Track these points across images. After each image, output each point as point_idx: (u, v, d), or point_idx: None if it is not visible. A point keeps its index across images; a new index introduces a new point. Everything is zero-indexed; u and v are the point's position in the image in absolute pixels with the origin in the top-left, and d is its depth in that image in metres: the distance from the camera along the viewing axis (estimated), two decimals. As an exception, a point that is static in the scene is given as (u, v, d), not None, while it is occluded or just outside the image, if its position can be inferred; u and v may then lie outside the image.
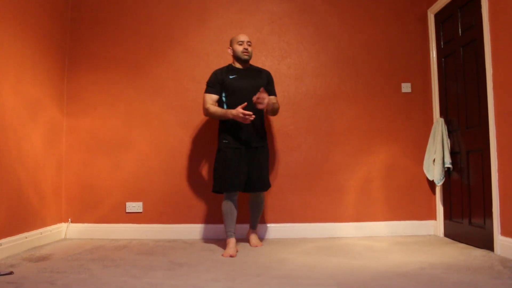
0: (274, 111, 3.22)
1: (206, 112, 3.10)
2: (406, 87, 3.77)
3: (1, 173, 2.82)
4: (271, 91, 3.22)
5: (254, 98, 2.93)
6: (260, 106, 2.97)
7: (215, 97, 3.10)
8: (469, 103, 3.20)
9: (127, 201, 3.67)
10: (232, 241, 2.98)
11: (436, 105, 3.67)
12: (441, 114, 3.59)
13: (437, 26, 3.68)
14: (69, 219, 3.68)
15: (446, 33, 3.56)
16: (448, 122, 3.48)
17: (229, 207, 3.05)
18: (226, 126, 3.09)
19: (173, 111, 3.74)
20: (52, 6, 3.56)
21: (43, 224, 3.35)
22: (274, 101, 3.21)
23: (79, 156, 3.72)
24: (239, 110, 2.91)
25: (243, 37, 3.16)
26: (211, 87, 3.12)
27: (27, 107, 3.17)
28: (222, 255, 2.89)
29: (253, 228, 3.33)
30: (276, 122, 3.72)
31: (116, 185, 3.69)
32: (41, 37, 3.37)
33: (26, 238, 3.08)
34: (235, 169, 3.02)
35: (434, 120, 3.64)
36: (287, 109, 3.73)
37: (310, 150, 3.72)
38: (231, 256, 2.84)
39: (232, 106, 3.03)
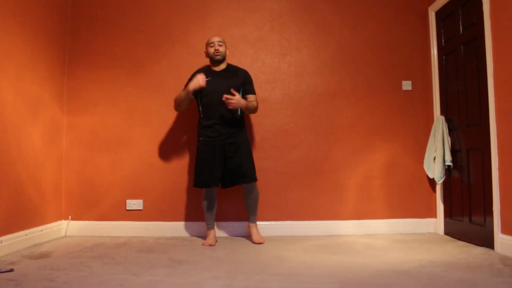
0: (250, 109, 3.28)
1: (174, 103, 3.31)
2: (406, 85, 3.77)
3: (2, 170, 2.82)
4: (248, 90, 3.32)
5: (223, 98, 3.06)
6: (229, 106, 3.09)
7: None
8: (469, 101, 3.19)
9: (127, 199, 3.67)
10: (211, 233, 3.28)
11: (436, 103, 3.67)
12: (442, 112, 3.59)
13: (437, 23, 3.67)
14: (70, 217, 3.68)
15: (446, 31, 3.55)
16: (448, 120, 3.47)
17: (206, 203, 3.31)
18: (201, 124, 3.29)
19: (173, 108, 3.73)
20: (52, 3, 3.55)
21: (44, 221, 3.35)
22: (252, 99, 3.30)
23: (79, 153, 3.72)
24: (195, 82, 3.13)
25: (213, 39, 3.29)
26: (186, 86, 3.28)
27: (27, 105, 3.17)
28: (202, 244, 3.19)
29: (251, 221, 3.35)
30: (276, 120, 3.72)
31: (116, 182, 3.69)
32: (41, 35, 3.36)
33: (26, 235, 3.08)
34: (209, 166, 3.20)
35: (435, 118, 3.63)
36: (287, 107, 3.73)
37: (310, 148, 3.72)
38: (210, 245, 3.15)
39: (207, 107, 3.25)
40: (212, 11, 3.82)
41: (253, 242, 3.26)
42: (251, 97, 3.31)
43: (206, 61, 3.77)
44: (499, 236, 2.77)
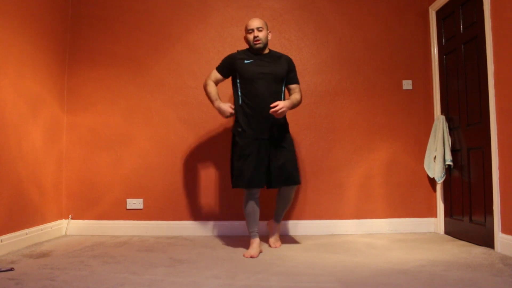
0: (295, 106, 2.97)
1: (204, 86, 3.05)
2: (407, 84, 3.77)
3: (2, 169, 2.82)
4: (293, 79, 3.02)
5: (270, 111, 2.76)
6: (278, 116, 2.80)
7: (219, 76, 3.03)
8: (470, 101, 3.19)
9: (128, 198, 3.67)
10: (255, 241, 2.84)
11: (437, 103, 3.67)
12: (442, 112, 3.59)
13: (438, 23, 3.66)
14: (70, 216, 3.68)
15: (447, 30, 3.54)
16: (449, 120, 3.47)
17: (250, 207, 2.87)
18: (243, 113, 2.89)
19: (173, 107, 3.74)
20: (53, 2, 3.54)
21: (44, 220, 3.35)
22: (296, 90, 3.00)
23: (80, 152, 3.72)
24: (226, 109, 2.93)
25: (252, 24, 2.94)
26: (220, 66, 3.05)
27: (28, 103, 3.16)
28: (243, 255, 2.75)
29: (275, 220, 3.14)
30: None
31: (116, 181, 3.69)
32: (41, 34, 3.36)
33: (26, 234, 3.08)
34: (253, 163, 2.80)
35: (435, 118, 3.63)
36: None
37: (311, 147, 3.72)
38: (251, 257, 2.70)
39: (246, 93, 2.89)
40: (213, 10, 3.81)
41: (270, 245, 3.07)
42: (295, 88, 3.00)
43: (206, 59, 3.78)
44: (499, 236, 2.77)
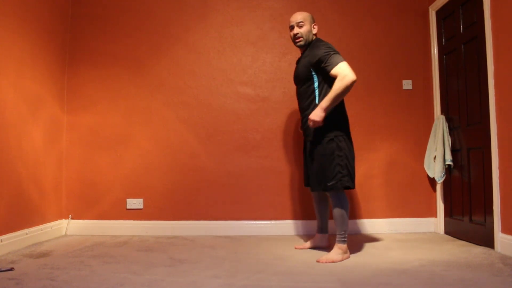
0: (339, 96, 2.52)
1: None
2: (407, 84, 3.77)
3: (2, 169, 2.82)
4: (327, 68, 2.57)
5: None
6: (313, 127, 2.62)
7: None
8: (470, 101, 3.19)
9: (128, 198, 3.67)
10: (315, 236, 3.00)
11: (437, 102, 3.67)
12: (442, 111, 3.59)
13: (438, 23, 3.66)
14: (70, 216, 3.68)
15: (447, 30, 3.54)
16: (449, 120, 3.47)
17: (314, 204, 3.01)
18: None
19: (173, 107, 3.74)
20: (53, 2, 3.54)
21: (44, 220, 3.35)
22: (336, 75, 2.51)
23: (80, 152, 3.72)
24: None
25: (292, 18, 2.74)
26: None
27: (28, 103, 3.16)
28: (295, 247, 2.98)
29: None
30: (276, 119, 3.71)
31: (116, 181, 3.69)
32: (41, 33, 3.36)
33: (26, 234, 3.08)
34: (304, 164, 2.95)
35: (435, 117, 3.63)
36: (288, 106, 3.72)
37: (311, 147, 3.72)
38: (302, 248, 2.94)
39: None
40: (213, 10, 3.81)
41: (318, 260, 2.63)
42: (334, 75, 2.54)
43: (206, 58, 3.79)
44: (499, 236, 2.77)
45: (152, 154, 3.71)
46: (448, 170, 3.46)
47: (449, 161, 3.35)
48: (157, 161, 3.70)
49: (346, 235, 2.68)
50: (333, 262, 2.55)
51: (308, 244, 3.01)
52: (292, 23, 2.75)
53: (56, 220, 3.55)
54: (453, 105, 3.43)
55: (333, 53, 2.59)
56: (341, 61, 2.55)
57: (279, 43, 3.78)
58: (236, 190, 3.64)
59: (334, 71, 2.54)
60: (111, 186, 3.69)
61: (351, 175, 2.67)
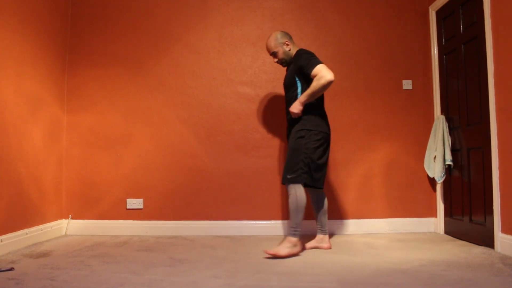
0: (316, 92, 2.75)
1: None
2: (407, 84, 3.77)
3: (2, 169, 2.82)
4: (306, 71, 2.79)
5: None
6: (294, 116, 2.86)
7: None
8: (470, 100, 3.19)
9: (128, 198, 3.67)
10: (316, 237, 3.02)
11: (437, 102, 3.67)
12: (442, 111, 3.59)
13: (438, 23, 3.66)
14: (70, 216, 3.68)
15: (447, 30, 3.54)
16: (449, 119, 3.47)
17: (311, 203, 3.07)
18: None
19: (173, 107, 3.74)
20: (53, 2, 3.54)
21: (44, 220, 3.35)
22: (315, 77, 2.72)
23: (80, 152, 3.72)
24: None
25: (267, 50, 3.08)
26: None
27: (28, 103, 3.16)
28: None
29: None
30: (276, 119, 3.71)
31: (116, 181, 3.69)
32: (41, 33, 3.36)
33: (26, 234, 3.08)
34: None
35: (435, 117, 3.63)
36: (288, 106, 3.73)
37: (311, 147, 3.72)
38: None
39: None
40: (213, 10, 3.81)
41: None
42: (312, 75, 2.75)
43: (206, 58, 3.80)
44: (499, 236, 2.77)
45: (152, 154, 3.71)
46: (448, 170, 3.46)
47: (449, 161, 3.35)
48: (157, 161, 3.70)
49: (298, 229, 2.75)
50: (276, 254, 2.66)
51: (309, 244, 3.00)
52: (269, 54, 3.07)
53: (56, 220, 3.55)
54: (453, 105, 3.43)
55: (313, 59, 2.82)
56: (319, 63, 2.78)
57: (279, 43, 3.78)
58: (236, 190, 3.64)
59: (313, 72, 2.76)
60: (111, 186, 3.69)
61: (311, 174, 2.78)
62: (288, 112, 2.95)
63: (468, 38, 3.20)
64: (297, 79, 2.89)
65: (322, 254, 2.81)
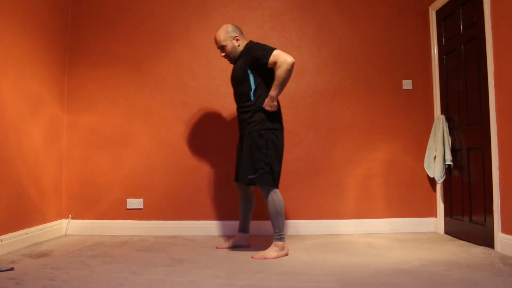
0: (282, 82, 2.65)
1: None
2: (407, 84, 3.77)
3: (2, 169, 2.82)
4: (263, 63, 2.68)
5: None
6: (270, 110, 2.73)
7: None
8: (470, 100, 3.19)
9: (128, 198, 3.67)
10: (236, 235, 3.05)
11: (437, 102, 3.67)
12: (442, 111, 3.59)
13: (438, 23, 3.66)
14: (70, 215, 3.68)
15: (447, 30, 3.54)
16: (449, 119, 3.47)
17: (239, 203, 3.06)
18: None
19: (173, 107, 3.74)
20: (53, 2, 3.54)
21: (44, 220, 3.35)
22: (276, 65, 2.62)
23: (80, 152, 3.72)
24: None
25: (215, 42, 2.92)
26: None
27: (28, 103, 3.16)
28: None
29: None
30: (276, 119, 3.72)
31: (116, 181, 3.69)
32: (41, 33, 3.36)
33: (26, 234, 3.08)
34: (237, 158, 2.95)
35: (435, 117, 3.63)
36: (288, 106, 3.72)
37: (311, 147, 3.72)
38: (222, 247, 3.01)
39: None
40: (213, 10, 3.81)
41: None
42: (272, 64, 2.64)
43: (206, 58, 3.80)
44: (499, 236, 2.77)
45: (152, 154, 3.71)
46: (448, 170, 3.46)
47: (449, 161, 3.35)
48: (157, 161, 3.70)
49: (283, 233, 2.74)
50: (266, 258, 2.64)
51: (228, 243, 3.05)
52: (217, 47, 2.90)
53: (56, 220, 3.55)
54: (453, 105, 3.43)
55: (266, 47, 2.72)
56: (274, 49, 2.67)
57: (279, 43, 3.78)
58: (236, 190, 3.64)
59: (271, 60, 2.64)
60: (111, 186, 3.69)
61: (273, 174, 2.71)
62: (240, 107, 2.84)
63: (468, 38, 3.21)
64: (249, 72, 2.75)
65: (322, 254, 2.81)
